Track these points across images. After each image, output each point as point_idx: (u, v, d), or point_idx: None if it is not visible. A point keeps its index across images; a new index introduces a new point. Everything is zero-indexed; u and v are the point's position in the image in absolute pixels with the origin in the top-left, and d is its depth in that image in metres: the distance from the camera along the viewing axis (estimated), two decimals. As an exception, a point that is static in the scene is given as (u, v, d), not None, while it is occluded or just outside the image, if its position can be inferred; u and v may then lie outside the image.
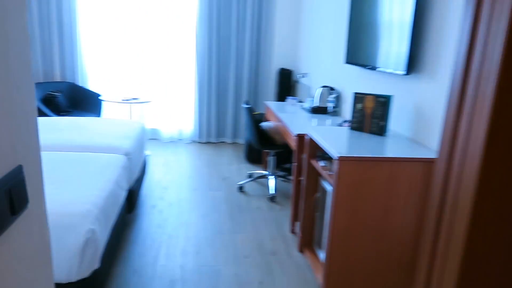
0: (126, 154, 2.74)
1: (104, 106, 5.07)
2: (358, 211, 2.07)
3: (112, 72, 5.12)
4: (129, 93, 5.17)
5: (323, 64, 4.21)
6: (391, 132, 2.56)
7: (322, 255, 2.46)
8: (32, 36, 4.73)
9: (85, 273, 1.76)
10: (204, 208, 3.31)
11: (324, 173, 2.31)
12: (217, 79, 5.21)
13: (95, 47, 5.01)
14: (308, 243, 2.73)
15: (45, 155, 2.44)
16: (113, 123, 3.37)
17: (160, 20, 5.04)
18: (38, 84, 4.56)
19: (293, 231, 3.00)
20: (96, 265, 1.83)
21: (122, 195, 2.42)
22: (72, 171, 2.22)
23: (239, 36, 5.12)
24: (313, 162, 2.53)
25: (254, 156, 4.58)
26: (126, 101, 4.37)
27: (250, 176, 4.10)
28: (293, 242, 2.86)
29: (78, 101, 4.82)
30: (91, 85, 5.08)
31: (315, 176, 2.62)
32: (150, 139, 5.36)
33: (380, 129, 2.44)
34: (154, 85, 5.25)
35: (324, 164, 2.35)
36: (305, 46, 4.95)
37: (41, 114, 4.24)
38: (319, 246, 2.55)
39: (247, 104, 3.61)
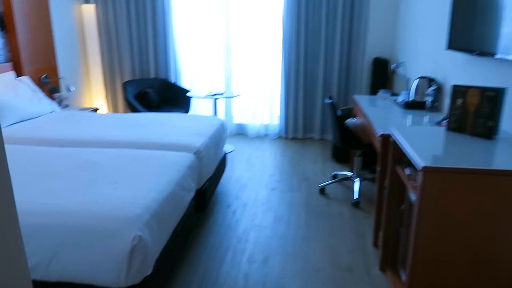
0: (196, 153, 2.66)
1: (193, 102, 5.17)
2: (449, 231, 1.66)
3: (201, 67, 5.19)
4: (215, 88, 5.19)
5: (422, 51, 3.66)
6: (504, 135, 2.03)
7: (404, 277, 2.07)
8: (130, 36, 5.01)
9: (136, 279, 1.69)
10: (279, 211, 3.11)
11: (408, 183, 1.92)
12: (304, 71, 4.93)
13: (186, 43, 5.12)
14: (391, 261, 2.34)
15: (113, 152, 2.48)
16: (191, 120, 3.35)
17: (247, 11, 4.93)
18: (133, 81, 4.82)
19: (376, 245, 2.63)
20: (147, 271, 1.75)
21: (187, 196, 2.35)
22: (134, 170, 2.20)
23: (329, 24, 4.76)
24: (398, 169, 2.14)
25: (341, 154, 4.23)
26: (211, 96, 4.37)
27: (334, 177, 3.77)
28: (375, 258, 2.50)
29: (168, 97, 4.99)
30: (182, 81, 5.22)
31: (400, 185, 2.22)
32: (236, 134, 5.33)
33: (487, 131, 1.95)
34: (241, 79, 5.19)
35: (409, 173, 1.96)
36: (403, 31, 4.39)
37: (134, 109, 4.47)
38: (403, 266, 2.17)
39: (330, 99, 3.29)
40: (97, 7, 4.96)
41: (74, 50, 4.85)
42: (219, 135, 3.31)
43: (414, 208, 1.93)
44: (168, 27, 4.95)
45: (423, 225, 1.67)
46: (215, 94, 4.43)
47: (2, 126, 3.03)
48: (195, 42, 5.11)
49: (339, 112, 3.29)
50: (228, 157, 4.36)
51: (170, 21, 4.94)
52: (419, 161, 1.63)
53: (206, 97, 4.37)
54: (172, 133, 2.90)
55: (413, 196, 1.94)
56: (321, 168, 4.07)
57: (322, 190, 3.49)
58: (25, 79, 3.60)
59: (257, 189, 3.52)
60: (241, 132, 5.35)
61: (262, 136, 5.25)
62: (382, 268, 2.36)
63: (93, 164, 2.29)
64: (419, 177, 1.64)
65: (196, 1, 4.97)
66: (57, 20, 4.42)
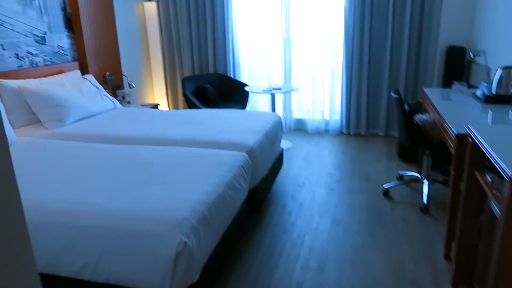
0: (250, 152, 2.55)
1: (251, 96, 5.08)
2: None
3: (259, 61, 5.08)
4: (274, 82, 5.06)
5: (506, 37, 3.21)
6: None
7: (484, 302, 1.79)
8: (189, 32, 5.03)
9: (181, 285, 1.62)
10: (338, 213, 2.91)
11: (490, 192, 1.64)
12: (368, 62, 4.61)
13: (245, 36, 5.03)
14: (466, 278, 2.06)
15: (166, 150, 2.44)
16: (247, 116, 3.25)
17: (307, 0, 4.72)
18: (192, 77, 4.84)
19: (447, 257, 2.34)
20: (194, 278, 1.68)
21: (239, 197, 2.24)
22: (184, 169, 2.14)
23: (397, 9, 4.39)
24: (477, 174, 1.85)
25: (409, 153, 3.89)
26: (269, 91, 4.24)
27: (400, 177, 3.47)
28: (446, 272, 2.21)
29: (226, 92, 4.95)
30: (241, 76, 5.15)
31: (479, 192, 1.93)
32: (295, 129, 5.16)
33: None
34: (301, 72, 5.00)
35: (492, 180, 1.67)
36: (483, 14, 3.91)
37: (192, 105, 4.48)
38: (482, 285, 1.88)
39: (396, 93, 3.00)
40: (158, 4, 5.04)
41: (136, 47, 4.98)
42: (275, 132, 3.17)
43: (497, 221, 1.65)
44: (227, 21, 4.89)
45: (510, 243, 1.40)
46: (273, 89, 4.30)
47: (66, 123, 3.15)
48: (253, 35, 5.00)
49: (406, 107, 2.99)
50: (285, 153, 4.21)
51: (229, 15, 4.87)
52: (507, 169, 1.36)
53: (264, 92, 4.24)
54: (226, 131, 2.81)
55: (496, 208, 1.65)
56: (385, 167, 3.77)
57: (386, 192, 3.21)
58: (89, 77, 3.74)
59: (314, 189, 3.34)
60: (300, 127, 5.17)
61: (322, 132, 5.03)
62: (455, 285, 2.08)
63: (146, 162, 2.27)
64: (506, 188, 1.37)
65: (254, -6, 4.85)
66: (120, 18, 4.55)
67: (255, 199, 2.62)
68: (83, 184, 1.99)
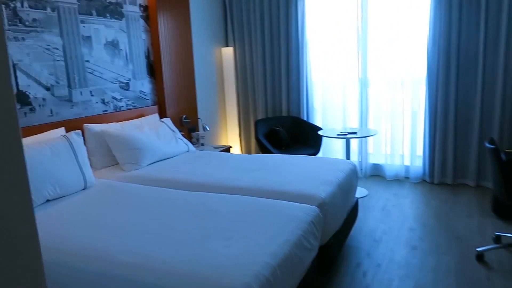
0: (321, 205, 2.37)
1: (325, 139, 4.90)
2: None
3: (334, 103, 4.93)
4: (349, 124, 4.84)
5: None
6: None
7: None
8: (264, 75, 5.08)
9: None
10: (421, 278, 2.55)
11: None
12: (455, 103, 4.22)
13: (319, 78, 4.95)
14: None
15: (233, 199, 2.36)
16: (319, 163, 3.08)
17: (385, 37, 4.53)
18: (264, 120, 4.83)
19: None
20: None
21: (308, 257, 2.06)
22: (250, 223, 2.02)
23: (489, 46, 4.00)
24: None
25: (507, 209, 3.38)
26: (343, 135, 4.05)
27: (497, 239, 3.00)
28: None
29: (299, 135, 4.84)
30: (314, 118, 5.03)
31: None
32: (371, 175, 4.84)
33: None
34: (378, 114, 4.74)
35: None
36: None
37: (264, 148, 4.43)
38: None
39: (491, 143, 2.64)
40: (235, 49, 5.20)
41: (212, 90, 5.13)
42: (350, 181, 2.95)
43: None
44: (302, 62, 4.86)
45: None
46: (348, 133, 4.09)
47: (142, 166, 3.25)
48: (328, 76, 4.90)
49: (503, 156, 2.61)
50: (361, 203, 3.92)
51: (304, 56, 4.85)
52: None
53: (338, 136, 4.06)
54: (296, 181, 2.67)
55: None
56: (478, 225, 3.31)
57: (480, 256, 2.78)
58: (167, 120, 3.88)
59: (393, 246, 3.01)
60: (377, 173, 4.84)
61: (401, 179, 4.64)
62: None
63: (212, 212, 2.20)
64: None
65: (331, 34, 4.79)
66: (198, 63, 4.75)
67: (326, 257, 2.41)
68: (148, 233, 1.96)
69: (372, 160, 4.85)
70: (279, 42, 4.94)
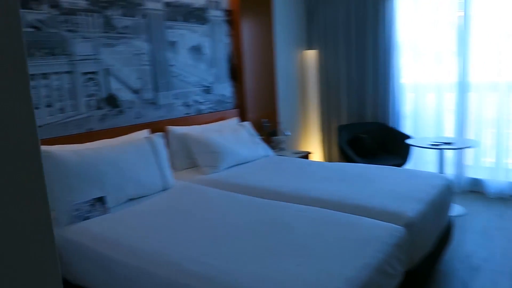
0: (408, 225, 2.10)
1: (415, 149, 4.48)
2: None
3: (426, 109, 4.48)
4: (443, 134, 4.36)
5: None
6: None
7: None
8: (348, 78, 4.82)
9: None
10: (533, 321, 2.14)
11: None
12: None
13: (410, 81, 4.55)
14: None
15: (309, 212, 2.19)
16: (407, 177, 2.78)
17: (490, 31, 3.99)
18: (348, 126, 4.57)
19: None
20: None
21: (390, 284, 1.82)
22: (326, 240, 1.84)
23: None
24: None
25: None
26: (435, 146, 3.64)
27: None
28: None
29: (386, 143, 4.49)
30: (403, 125, 4.63)
31: None
32: (469, 191, 4.30)
33: None
34: (478, 122, 4.19)
35: None
36: None
37: (346, 156, 4.18)
38: None
39: None
40: (319, 52, 5.02)
41: (293, 94, 5.01)
42: (443, 199, 2.61)
43: None
44: (391, 65, 4.50)
45: None
46: (443, 143, 3.67)
47: (220, 169, 3.25)
48: (420, 79, 4.47)
49: None
50: (456, 223, 3.48)
51: (394, 60, 4.49)
52: None
53: (430, 146, 3.66)
54: (380, 195, 2.42)
55: None
56: None
57: None
58: (246, 124, 3.84)
59: (496, 278, 2.58)
60: (476, 189, 4.28)
61: (506, 198, 4.05)
62: None
63: (285, 225, 2.06)
64: None
65: (425, 34, 4.36)
66: (280, 66, 4.66)
67: (412, 284, 2.13)
68: (218, 242, 1.90)
69: (471, 173, 4.31)
70: (366, 44, 4.64)
